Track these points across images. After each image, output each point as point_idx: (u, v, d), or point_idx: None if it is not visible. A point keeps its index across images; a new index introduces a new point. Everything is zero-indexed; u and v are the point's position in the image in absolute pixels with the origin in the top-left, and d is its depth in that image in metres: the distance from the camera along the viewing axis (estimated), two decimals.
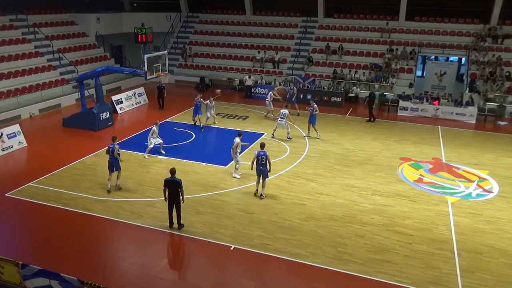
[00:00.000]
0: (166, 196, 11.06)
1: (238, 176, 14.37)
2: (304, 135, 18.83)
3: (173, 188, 10.91)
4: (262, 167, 12.76)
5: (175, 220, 11.28)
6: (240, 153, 14.50)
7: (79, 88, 19.96)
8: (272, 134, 18.40)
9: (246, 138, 14.65)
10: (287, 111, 18.10)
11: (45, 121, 20.93)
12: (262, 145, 13.18)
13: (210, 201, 12.79)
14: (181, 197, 10.99)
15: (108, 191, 13.03)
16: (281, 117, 17.85)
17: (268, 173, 13.00)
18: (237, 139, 14.20)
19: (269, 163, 12.87)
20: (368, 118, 21.52)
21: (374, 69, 26.67)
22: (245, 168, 14.72)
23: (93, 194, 13.01)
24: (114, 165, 13.00)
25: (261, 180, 13.00)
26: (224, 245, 10.62)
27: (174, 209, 11.16)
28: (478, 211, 12.63)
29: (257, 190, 13.15)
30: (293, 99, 22.11)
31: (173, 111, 21.88)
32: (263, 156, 12.73)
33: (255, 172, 13.00)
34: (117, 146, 12.99)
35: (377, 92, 25.20)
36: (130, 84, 26.94)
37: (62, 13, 28.80)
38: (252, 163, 12.92)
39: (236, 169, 14.43)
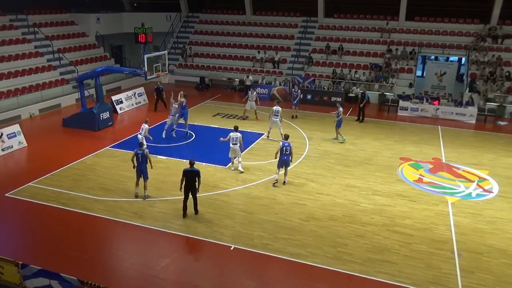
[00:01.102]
0: (183, 186, 11.55)
1: (243, 170, 14.66)
2: (332, 138, 18.49)
3: (191, 177, 11.48)
4: (286, 157, 13.60)
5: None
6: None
7: (79, 88, 19.94)
8: (267, 135, 18.23)
9: (246, 138, 14.68)
10: (280, 108, 17.94)
11: (45, 121, 20.92)
12: (286, 137, 13.99)
13: (210, 201, 12.78)
14: (197, 186, 11.57)
15: (136, 196, 12.76)
16: (274, 115, 17.73)
17: (290, 163, 13.98)
18: (238, 134, 14.55)
19: (291, 154, 13.76)
20: (361, 119, 21.47)
21: (374, 69, 26.64)
22: (247, 167, 14.75)
23: (93, 194, 13.01)
24: (143, 172, 12.55)
25: (283, 170, 13.84)
26: (224, 245, 10.62)
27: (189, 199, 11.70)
28: (478, 211, 12.63)
29: (276, 180, 13.78)
30: (296, 101, 22.01)
31: None
32: (287, 147, 13.54)
33: (277, 163, 13.75)
34: (147, 150, 12.74)
35: (375, 92, 25.28)
36: (130, 84, 26.92)
37: (62, 13, 28.78)
38: (276, 153, 13.71)
39: (239, 162, 14.71)
